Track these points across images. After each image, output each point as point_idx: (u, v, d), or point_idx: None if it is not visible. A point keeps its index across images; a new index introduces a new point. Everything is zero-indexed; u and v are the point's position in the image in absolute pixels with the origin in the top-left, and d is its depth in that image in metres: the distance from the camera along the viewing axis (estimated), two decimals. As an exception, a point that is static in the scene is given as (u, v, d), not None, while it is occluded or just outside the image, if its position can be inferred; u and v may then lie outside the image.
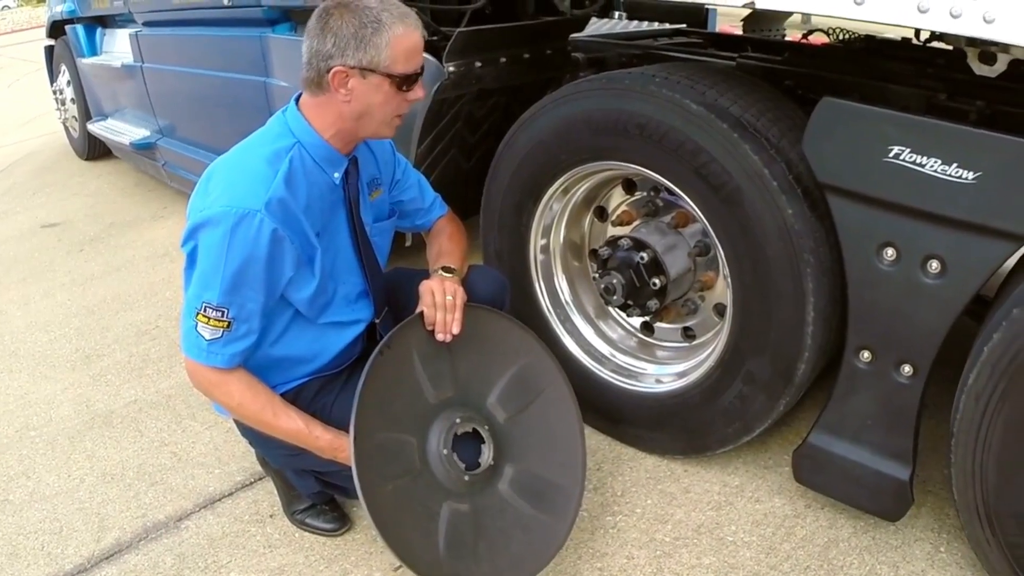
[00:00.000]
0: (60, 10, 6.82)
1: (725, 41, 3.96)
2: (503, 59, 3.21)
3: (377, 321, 2.43)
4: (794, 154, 2.25)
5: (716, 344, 2.53)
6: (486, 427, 2.30)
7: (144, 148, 5.63)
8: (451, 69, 2.99)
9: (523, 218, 2.86)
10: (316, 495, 2.61)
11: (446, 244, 2.58)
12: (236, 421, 2.46)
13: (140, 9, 5.25)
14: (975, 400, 1.95)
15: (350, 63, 2.02)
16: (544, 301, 2.96)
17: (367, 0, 2.03)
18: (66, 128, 7.83)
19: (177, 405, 3.38)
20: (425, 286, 2.33)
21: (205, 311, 2.07)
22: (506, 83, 3.30)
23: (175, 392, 3.48)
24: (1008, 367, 1.87)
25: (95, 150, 7.39)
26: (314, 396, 2.35)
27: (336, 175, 2.22)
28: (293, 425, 2.22)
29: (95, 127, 6.57)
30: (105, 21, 6.33)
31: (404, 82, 2.10)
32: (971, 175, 1.86)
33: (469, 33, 3.04)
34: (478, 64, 3.11)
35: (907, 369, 2.14)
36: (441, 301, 2.29)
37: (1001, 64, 1.98)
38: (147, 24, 5.28)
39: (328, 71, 2.04)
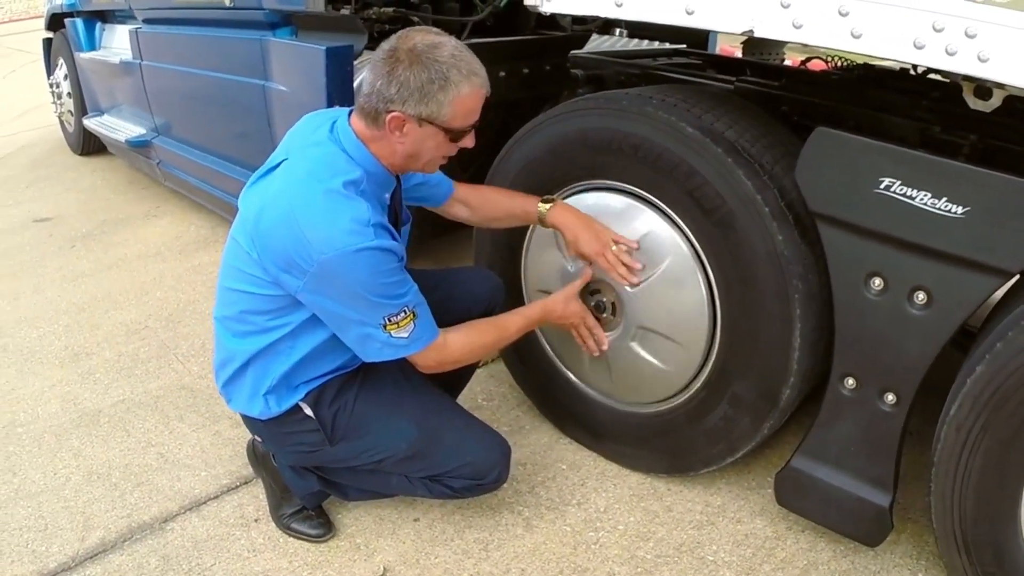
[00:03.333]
0: (60, 3, 6.80)
1: (724, 63, 3.99)
2: (502, 73, 3.23)
3: None
4: (787, 181, 2.27)
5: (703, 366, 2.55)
6: (611, 296, 2.66)
7: (140, 146, 5.63)
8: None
9: (515, 232, 2.88)
10: (311, 497, 2.63)
11: (498, 191, 2.79)
12: (245, 420, 2.54)
13: (141, 6, 5.25)
14: (956, 431, 1.97)
15: (410, 112, 2.07)
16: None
17: (440, 52, 2.05)
18: (61, 122, 7.80)
19: (165, 406, 3.38)
20: (595, 249, 2.55)
21: (390, 321, 2.15)
22: (504, 98, 3.31)
23: (163, 393, 3.48)
24: (990, 400, 1.89)
25: (90, 145, 7.36)
26: (335, 396, 2.41)
27: (386, 195, 2.29)
28: (520, 322, 2.50)
29: (91, 123, 6.55)
30: (105, 16, 6.32)
31: (459, 135, 2.17)
32: (960, 209, 1.88)
33: (471, 47, 3.06)
34: (477, 78, 3.12)
35: (890, 397, 2.16)
36: (614, 259, 2.54)
37: (996, 99, 1.99)
38: (147, 21, 5.28)
39: (387, 113, 2.07)
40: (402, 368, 2.40)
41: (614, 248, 2.53)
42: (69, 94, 7.21)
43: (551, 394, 3.02)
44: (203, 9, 4.36)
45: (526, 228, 2.86)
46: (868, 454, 2.27)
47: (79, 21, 6.50)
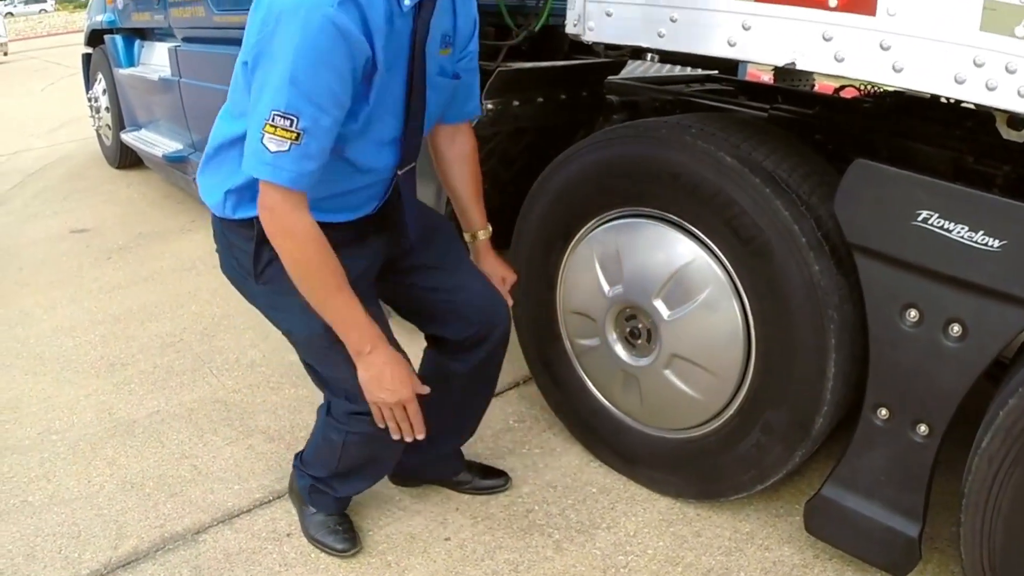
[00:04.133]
0: (100, 19, 6.92)
1: (756, 89, 4.01)
2: (540, 99, 3.26)
3: (400, 173, 2.29)
4: (823, 211, 2.29)
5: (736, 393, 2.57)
6: (647, 323, 2.65)
7: (177, 161, 5.69)
8: (489, 107, 3.04)
9: (552, 257, 2.90)
10: (317, 498, 2.66)
11: (475, 195, 2.63)
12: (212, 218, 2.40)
13: (181, 25, 5.34)
14: (988, 463, 1.97)
15: None
16: (568, 339, 2.99)
17: None
18: (99, 136, 7.91)
19: (199, 419, 3.42)
20: (496, 274, 2.68)
21: (273, 120, 1.89)
22: (542, 123, 3.36)
23: (198, 406, 3.52)
24: (1022, 433, 1.89)
25: (126, 159, 7.46)
26: None
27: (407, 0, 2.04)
28: (351, 302, 2.13)
29: (128, 137, 6.65)
30: (144, 34, 6.42)
31: None
32: (996, 243, 1.89)
33: (509, 72, 3.09)
34: (516, 103, 3.17)
35: (923, 429, 2.17)
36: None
37: (1029, 130, 2.02)
38: (187, 40, 5.36)
39: None
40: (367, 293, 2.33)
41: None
42: (107, 108, 7.31)
43: (583, 418, 3.03)
44: (242, 29, 4.40)
45: (564, 251, 2.88)
46: (899, 484, 2.27)
47: (119, 38, 6.60)
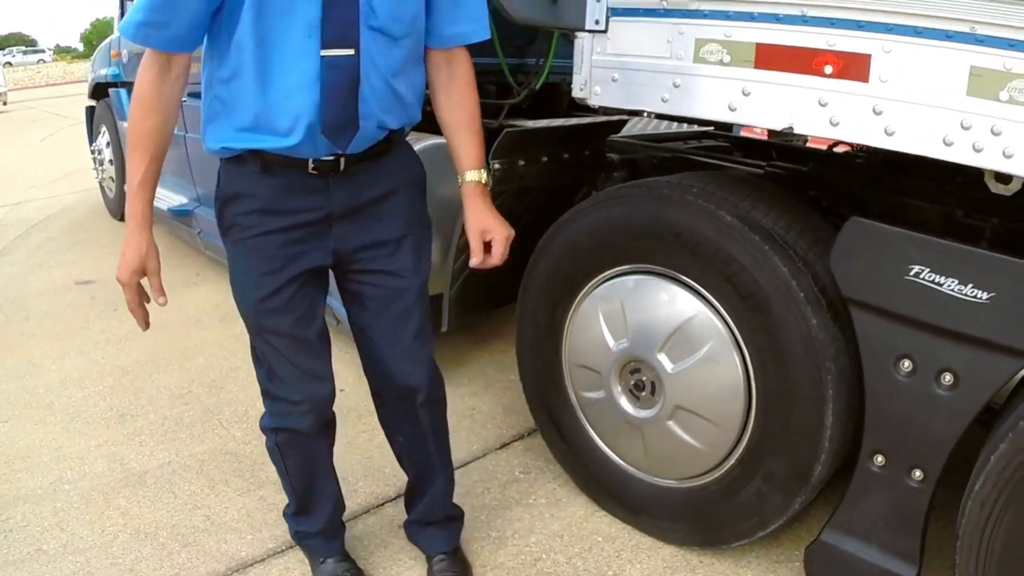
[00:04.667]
0: (104, 73, 7.02)
1: (750, 145, 4.09)
2: (544, 159, 3.35)
3: (324, 55, 2.05)
4: (820, 266, 2.37)
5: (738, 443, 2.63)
6: (651, 376, 2.70)
7: (181, 215, 5.77)
8: (496, 166, 3.13)
9: (558, 313, 2.97)
10: (305, 541, 2.74)
11: (463, 125, 2.43)
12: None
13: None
14: (980, 506, 2.03)
15: None
16: (573, 392, 3.05)
17: None
18: (102, 188, 7.99)
19: (211, 470, 3.46)
20: (478, 226, 2.43)
21: None
22: (546, 183, 3.44)
23: (208, 457, 3.56)
24: (1013, 476, 1.96)
25: (129, 211, 7.47)
26: (240, 214, 2.26)
27: None
28: (138, 168, 2.20)
29: (132, 190, 6.68)
30: (149, 88, 6.50)
31: None
32: (985, 295, 1.98)
33: (516, 134, 3.17)
34: (521, 162, 3.25)
35: (918, 474, 2.24)
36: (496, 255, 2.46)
37: (1016, 184, 2.10)
38: (192, 95, 5.42)
39: None
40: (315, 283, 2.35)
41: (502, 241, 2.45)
42: (111, 161, 7.39)
43: (588, 469, 3.09)
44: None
45: (569, 307, 2.95)
46: (896, 529, 2.33)
47: (123, 91, 6.70)
